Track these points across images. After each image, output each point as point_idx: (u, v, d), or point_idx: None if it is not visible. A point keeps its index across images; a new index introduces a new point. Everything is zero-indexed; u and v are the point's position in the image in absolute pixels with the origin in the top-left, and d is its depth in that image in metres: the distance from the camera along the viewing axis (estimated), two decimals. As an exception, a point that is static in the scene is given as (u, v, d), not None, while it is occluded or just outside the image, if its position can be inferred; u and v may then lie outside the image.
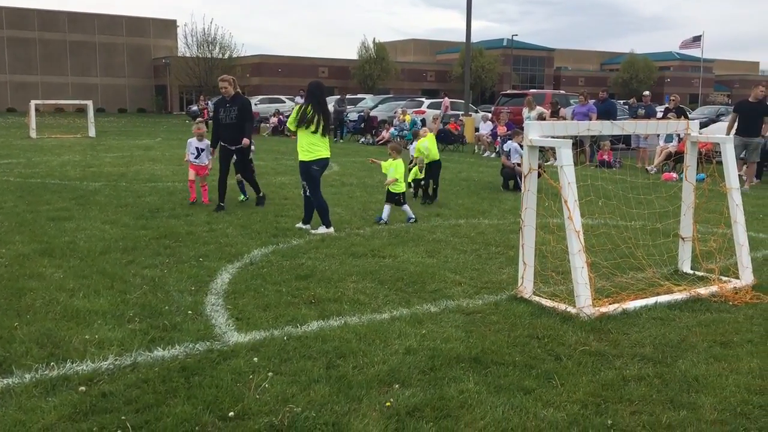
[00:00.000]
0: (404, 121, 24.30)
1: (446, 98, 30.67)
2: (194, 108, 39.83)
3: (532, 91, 30.33)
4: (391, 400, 3.72)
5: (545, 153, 15.43)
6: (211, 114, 14.97)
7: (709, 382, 4.03)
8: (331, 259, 6.88)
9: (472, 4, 27.04)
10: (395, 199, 9.08)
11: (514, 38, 73.30)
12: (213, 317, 5.05)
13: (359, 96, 40.88)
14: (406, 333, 4.76)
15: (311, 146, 8.18)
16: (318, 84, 8.48)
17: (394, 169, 9.09)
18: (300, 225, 8.45)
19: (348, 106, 29.93)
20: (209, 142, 10.05)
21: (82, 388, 3.81)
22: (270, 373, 4.03)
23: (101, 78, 68.54)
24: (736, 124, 13.61)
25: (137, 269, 6.36)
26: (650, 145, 17.17)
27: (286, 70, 64.94)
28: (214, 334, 4.72)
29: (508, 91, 34.68)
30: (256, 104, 41.64)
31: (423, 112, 28.45)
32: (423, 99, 33.35)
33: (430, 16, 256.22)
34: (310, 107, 8.15)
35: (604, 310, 5.26)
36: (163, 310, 5.19)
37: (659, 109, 21.26)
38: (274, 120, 30.33)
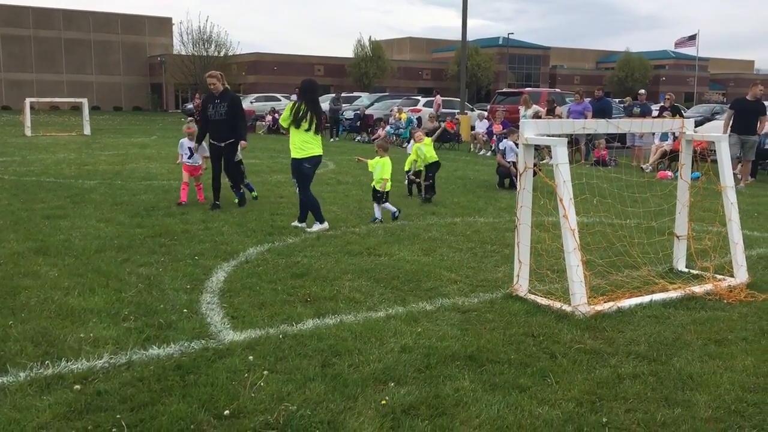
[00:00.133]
0: (400, 119, 24.29)
1: (438, 96, 30.65)
2: (189, 106, 39.69)
3: (527, 89, 30.35)
4: (387, 398, 3.72)
5: (541, 151, 15.46)
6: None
7: (704, 379, 4.05)
8: (327, 258, 6.87)
9: (468, 2, 27.05)
10: (377, 197, 9.03)
11: (510, 36, 73.34)
12: (208, 315, 5.05)
13: (355, 94, 40.86)
14: (401, 331, 4.76)
15: (304, 144, 8.18)
16: (310, 82, 8.48)
17: (380, 168, 9.06)
18: (296, 223, 8.45)
19: (344, 105, 29.92)
20: (204, 144, 9.95)
21: (77, 386, 3.80)
22: (265, 372, 4.03)
23: (96, 76, 68.38)
24: (731, 121, 13.64)
25: (132, 267, 6.35)
26: (645, 143, 17.19)
27: (282, 68, 64.88)
28: (210, 332, 4.71)
29: (503, 90, 34.69)
30: (252, 102, 41.63)
31: (419, 111, 28.44)
32: (419, 97, 33.34)
33: (426, 14, 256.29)
34: (302, 105, 8.14)
35: (599, 308, 5.27)
36: (159, 308, 5.18)
37: (654, 108, 21.30)
38: (269, 118, 30.29)
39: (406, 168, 10.94)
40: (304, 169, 8.25)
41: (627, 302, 5.46)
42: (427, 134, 12.82)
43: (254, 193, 10.56)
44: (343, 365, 4.16)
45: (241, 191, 9.93)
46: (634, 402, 3.76)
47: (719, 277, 6.24)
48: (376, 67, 66.21)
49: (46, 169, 14.13)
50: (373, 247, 7.33)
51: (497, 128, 19.52)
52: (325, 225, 8.21)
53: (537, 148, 5.92)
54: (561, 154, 5.37)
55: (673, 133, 14.87)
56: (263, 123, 31.07)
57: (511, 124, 17.30)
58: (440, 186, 11.84)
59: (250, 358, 4.24)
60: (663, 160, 15.72)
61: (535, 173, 5.83)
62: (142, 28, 71.03)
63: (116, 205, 9.72)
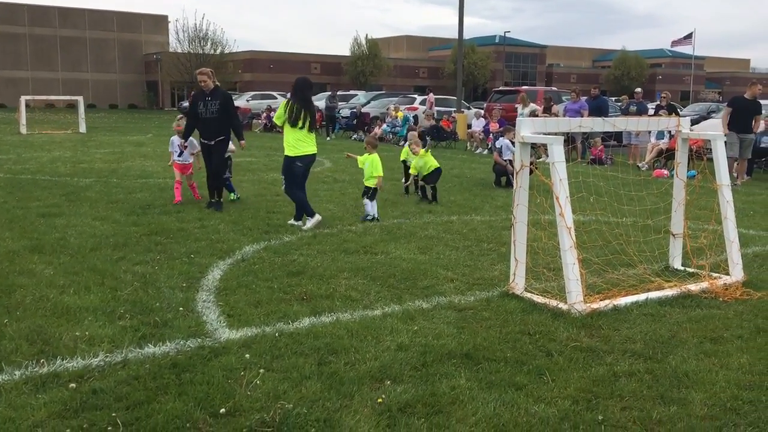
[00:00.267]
0: (396, 117, 24.29)
1: (431, 94, 30.62)
2: (185, 104, 39.67)
3: (524, 87, 30.36)
4: (383, 396, 3.72)
5: (537, 150, 15.47)
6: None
7: (700, 377, 4.05)
8: (323, 256, 6.87)
9: (464, 0, 27.05)
10: (366, 193, 9.01)
11: (507, 35, 73.34)
12: (204, 314, 5.04)
13: (351, 92, 40.82)
14: (397, 329, 4.76)
15: (297, 142, 8.18)
16: (304, 80, 8.45)
17: (369, 164, 9.03)
18: (292, 221, 8.44)
19: (340, 103, 29.88)
20: (193, 140, 9.79)
21: (73, 384, 3.79)
22: (261, 370, 4.03)
23: (92, 74, 68.20)
24: (728, 119, 13.68)
25: (128, 266, 6.33)
26: (641, 141, 17.22)
27: (278, 66, 64.76)
28: (206, 330, 4.70)
29: (500, 88, 34.73)
30: (248, 100, 41.53)
31: (415, 109, 28.43)
32: (415, 95, 33.33)
33: (422, 13, 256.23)
34: (295, 103, 8.13)
35: (595, 306, 5.27)
36: (154, 306, 5.17)
37: (650, 106, 21.33)
38: (265, 116, 30.25)
39: (413, 173, 10.80)
40: (295, 168, 8.24)
41: (623, 300, 5.47)
42: (422, 134, 12.78)
43: (233, 196, 10.19)
44: (339, 363, 4.16)
45: (221, 200, 9.44)
46: (629, 400, 3.77)
47: (715, 275, 6.25)
48: (372, 65, 66.15)
49: (41, 167, 14.10)
50: (370, 246, 7.32)
51: (494, 126, 19.52)
52: (318, 217, 8.20)
53: (533, 146, 5.91)
54: (557, 152, 5.37)
55: (669, 132, 14.90)
56: (259, 121, 31.03)
57: (508, 123, 17.31)
58: (437, 184, 11.82)
59: (246, 356, 4.23)
60: (659, 159, 15.74)
61: (531, 171, 5.84)
62: (137, 26, 70.85)
63: (112, 204, 9.70)
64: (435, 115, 24.60)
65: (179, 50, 60.99)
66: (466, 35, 47.27)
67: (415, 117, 25.41)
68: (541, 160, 14.90)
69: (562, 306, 5.25)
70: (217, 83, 9.41)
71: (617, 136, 17.73)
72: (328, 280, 5.98)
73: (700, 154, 8.03)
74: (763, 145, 14.96)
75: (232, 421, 3.44)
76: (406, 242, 7.57)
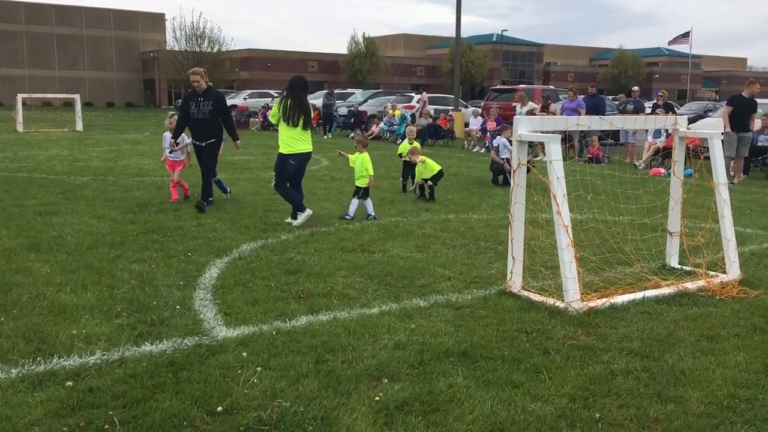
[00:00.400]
0: (394, 116, 24.28)
1: (424, 93, 30.52)
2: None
3: (521, 86, 30.37)
4: (380, 394, 3.72)
5: (534, 148, 15.47)
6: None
7: (696, 375, 4.06)
8: (321, 254, 6.87)
9: (461, -1, 27.03)
10: (357, 192, 8.97)
11: (504, 33, 73.36)
12: (201, 312, 5.03)
13: (349, 91, 40.78)
14: (395, 327, 4.76)
15: (291, 140, 8.17)
16: (299, 78, 8.42)
17: (360, 163, 9.01)
18: (289, 220, 8.43)
19: (337, 101, 29.85)
20: (186, 137, 9.67)
21: (69, 383, 3.79)
22: (258, 368, 4.02)
23: (89, 72, 68.09)
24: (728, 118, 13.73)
25: (125, 264, 6.32)
26: (639, 140, 17.24)
27: (275, 64, 64.72)
28: (203, 328, 4.70)
29: (497, 87, 34.73)
30: (245, 99, 41.49)
31: (413, 107, 28.42)
32: (413, 94, 33.31)
33: (420, 11, 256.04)
34: (289, 101, 8.12)
35: (592, 304, 5.28)
36: (151, 304, 5.17)
37: (647, 105, 21.35)
38: (262, 115, 30.23)
39: (418, 179, 10.76)
40: (287, 165, 8.22)
41: (620, 298, 5.48)
42: (419, 134, 12.73)
43: (226, 195, 9.99)
44: (336, 361, 4.16)
45: (208, 201, 9.16)
46: (626, 398, 3.77)
47: (712, 273, 6.26)
48: (369, 63, 66.13)
49: (38, 165, 14.07)
50: (367, 244, 7.32)
51: (491, 125, 19.53)
52: (308, 212, 8.18)
53: (531, 144, 5.91)
54: (554, 150, 5.38)
55: (666, 130, 14.92)
56: (256, 119, 31.00)
57: (505, 121, 17.31)
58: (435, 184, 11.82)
59: (244, 354, 4.23)
60: (656, 157, 15.77)
61: (528, 170, 5.84)
62: (134, 24, 70.73)
63: (109, 202, 9.68)
64: (432, 113, 24.59)
65: (176, 48, 60.89)
66: (464, 34, 47.29)
67: (413, 115, 25.39)
68: (538, 158, 14.91)
69: (559, 304, 5.25)
70: (210, 83, 9.29)
71: (614, 134, 17.74)
72: (325, 279, 5.98)
73: (697, 152, 8.05)
74: (760, 144, 15.00)
75: (230, 420, 3.44)
76: (403, 240, 7.57)
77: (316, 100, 32.80)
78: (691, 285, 5.90)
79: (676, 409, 3.64)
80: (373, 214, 8.89)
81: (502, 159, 12.21)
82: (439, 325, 4.86)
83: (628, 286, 5.86)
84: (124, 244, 7.09)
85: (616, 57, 78.31)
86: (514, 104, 22.09)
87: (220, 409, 3.53)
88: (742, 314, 5.24)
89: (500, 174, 12.45)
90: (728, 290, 5.79)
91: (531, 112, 18.63)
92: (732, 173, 13.41)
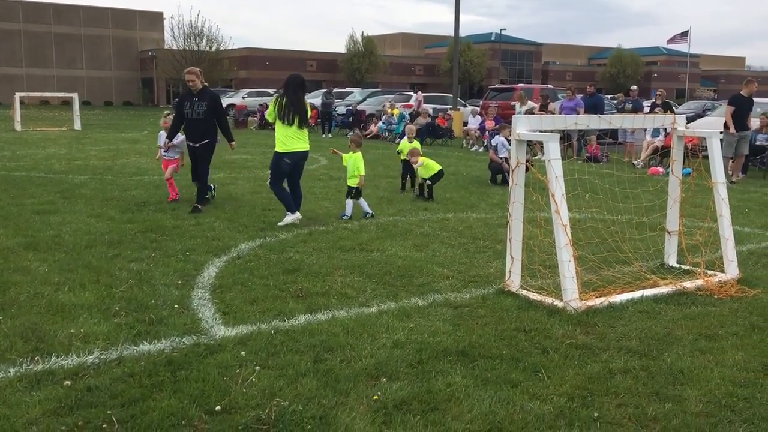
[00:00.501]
0: (392, 115, 24.27)
1: (419, 92, 30.50)
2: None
3: (520, 85, 30.37)
4: (379, 393, 3.72)
5: (533, 147, 15.47)
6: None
7: (695, 374, 4.06)
8: (319, 253, 6.86)
9: (460, -2, 27.02)
10: (349, 192, 8.94)
11: (503, 32, 73.36)
12: (200, 311, 5.03)
13: (347, 90, 40.76)
14: (393, 327, 4.76)
15: (286, 138, 8.15)
16: (295, 77, 8.37)
17: (352, 162, 9.00)
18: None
19: (336, 100, 29.84)
20: (181, 137, 9.51)
21: (67, 382, 3.78)
22: (257, 367, 4.02)
23: (87, 70, 68.00)
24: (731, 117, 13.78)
25: (123, 263, 6.32)
26: (637, 139, 17.25)
27: (274, 63, 64.66)
28: (201, 328, 4.70)
29: (496, 86, 34.73)
30: (243, 98, 41.45)
31: (411, 106, 28.42)
32: (411, 93, 33.30)
33: (418, 10, 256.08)
34: (284, 100, 8.10)
35: (590, 303, 5.28)
36: (150, 304, 5.16)
37: (646, 104, 21.35)
38: (260, 114, 30.21)
39: (419, 179, 10.74)
40: (282, 164, 8.20)
41: (618, 297, 5.48)
42: (417, 134, 12.71)
43: (209, 195, 9.70)
44: (335, 360, 4.16)
45: (200, 204, 9.02)
46: (625, 397, 3.77)
47: (710, 272, 6.27)
48: (368, 62, 66.10)
49: (36, 164, 14.05)
50: (366, 243, 7.32)
51: (489, 124, 19.53)
52: (297, 215, 8.15)
53: (529, 143, 5.91)
54: (553, 149, 5.38)
55: (665, 129, 14.93)
56: (255, 118, 30.98)
57: (504, 120, 17.30)
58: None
59: (242, 353, 4.22)
60: (654, 156, 15.77)
61: (527, 169, 5.84)
62: (133, 23, 70.64)
63: (107, 201, 9.67)
64: (431, 112, 24.58)
65: (174, 47, 60.82)
66: (462, 33, 47.22)
67: (411, 114, 25.38)
68: (537, 157, 14.91)
69: (558, 303, 5.26)
70: (206, 83, 9.17)
71: (613, 133, 17.74)
72: (323, 278, 5.97)
73: (696, 151, 8.05)
74: (758, 143, 15.02)
75: (228, 419, 3.44)
76: (402, 239, 7.57)
77: (314, 99, 32.81)
78: (689, 284, 5.90)
79: (674, 407, 3.64)
80: (371, 212, 8.88)
81: (501, 158, 12.21)
82: (437, 324, 4.86)
83: (627, 285, 5.86)
84: (122, 243, 7.08)
85: (615, 56, 78.34)
86: (512, 103, 22.08)
87: (218, 408, 3.53)
88: (740, 313, 5.25)
89: (499, 173, 12.45)
90: (726, 289, 5.80)
91: (530, 111, 18.62)
92: (730, 172, 13.44)
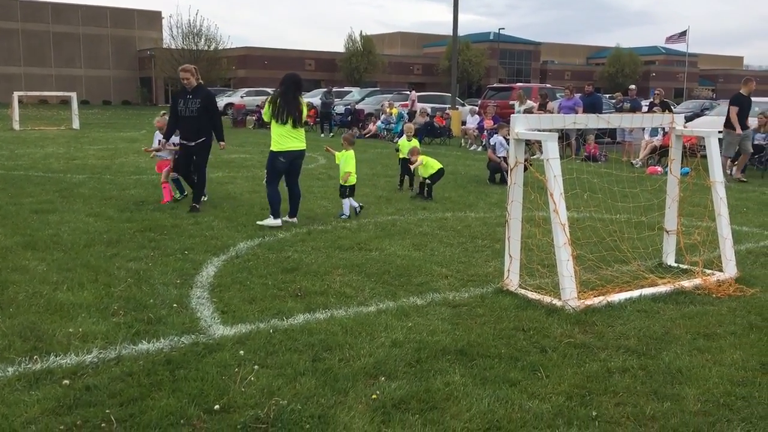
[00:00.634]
0: (391, 114, 24.26)
1: (413, 92, 30.45)
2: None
3: (518, 84, 30.37)
4: (378, 392, 3.72)
5: (531, 147, 15.47)
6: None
7: (693, 373, 4.07)
8: (318, 252, 6.86)
9: (459, -3, 27.01)
10: (342, 191, 8.94)
11: (501, 32, 73.31)
12: (198, 310, 5.03)
13: (346, 89, 40.75)
14: (392, 326, 4.76)
15: (280, 137, 8.11)
16: (291, 76, 8.31)
17: (344, 161, 9.00)
18: (286, 218, 8.41)
19: (335, 99, 29.81)
20: (176, 139, 9.32)
21: (66, 381, 3.78)
22: (256, 366, 4.02)
23: (85, 70, 67.93)
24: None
25: (122, 262, 6.31)
26: (635, 138, 17.26)
27: (273, 62, 64.63)
28: (200, 327, 4.70)
29: (494, 85, 34.72)
30: (242, 97, 41.44)
31: (407, 106, 28.38)
32: (408, 92, 33.24)
33: (417, 9, 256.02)
34: (279, 99, 8.08)
35: (589, 302, 5.28)
36: (148, 303, 5.16)
37: (644, 104, 21.36)
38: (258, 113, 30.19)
39: (422, 174, 10.74)
40: (278, 163, 8.17)
41: (617, 297, 5.48)
42: (416, 133, 12.72)
43: (179, 196, 9.67)
44: (333, 360, 4.16)
45: (198, 205, 8.94)
46: (623, 396, 3.78)
47: (708, 271, 6.27)
48: (367, 61, 66.08)
49: (34, 163, 14.04)
50: (364, 242, 7.32)
51: (488, 123, 19.52)
52: (278, 222, 8.06)
53: (528, 143, 5.92)
54: (552, 149, 5.38)
55: (663, 129, 14.94)
56: (253, 117, 30.96)
57: (502, 120, 17.31)
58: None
59: (241, 352, 4.22)
60: (653, 156, 15.78)
61: (525, 168, 5.84)
62: (131, 22, 70.57)
63: (105, 200, 9.66)
64: (430, 111, 24.57)
65: (173, 46, 60.73)
66: (461, 32, 47.18)
67: (409, 113, 25.38)
68: (535, 156, 14.92)
69: (556, 302, 5.26)
70: (201, 81, 9.03)
71: (611, 133, 17.75)
72: (322, 277, 5.98)
73: (694, 151, 8.05)
74: (756, 143, 15.05)
75: (227, 418, 3.44)
76: (400, 239, 7.57)
77: (313, 98, 32.79)
78: (687, 283, 5.91)
79: (672, 406, 3.65)
80: (348, 214, 8.78)
81: (499, 157, 12.21)
82: (436, 323, 4.86)
83: (625, 284, 5.86)
84: (120, 243, 7.08)
85: (613, 55, 78.36)
86: (511, 102, 22.08)
87: (217, 407, 3.53)
88: (738, 312, 5.25)
89: (497, 172, 12.46)
90: (725, 288, 5.80)
91: (529, 111, 18.62)
92: (730, 171, 13.51)
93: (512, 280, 5.71)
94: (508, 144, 7.31)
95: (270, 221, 8.06)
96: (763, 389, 3.87)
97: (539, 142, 5.86)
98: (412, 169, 10.94)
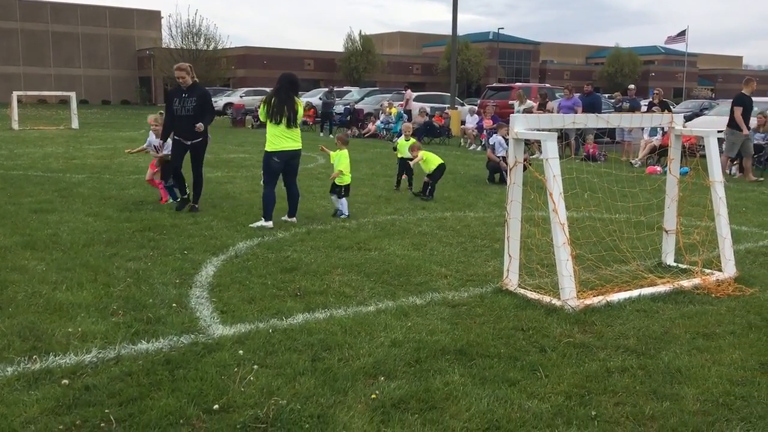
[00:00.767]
0: (390, 114, 24.26)
1: (408, 90, 30.42)
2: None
3: (518, 84, 30.37)
4: (377, 392, 3.72)
5: (531, 146, 15.48)
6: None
7: (692, 373, 4.07)
8: (317, 252, 6.86)
9: (458, -4, 27.01)
10: (336, 191, 8.94)
11: (500, 31, 73.33)
12: (197, 310, 5.03)
13: (345, 89, 40.76)
14: (391, 325, 4.76)
15: (274, 137, 8.09)
16: (286, 75, 8.26)
17: (338, 160, 9.00)
18: (285, 218, 8.41)
19: (336, 99, 29.79)
20: (169, 146, 9.18)
21: (65, 381, 3.78)
22: (255, 366, 4.02)
23: (84, 69, 67.91)
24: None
25: (121, 262, 6.31)
26: (635, 138, 17.27)
27: (272, 62, 64.59)
28: (199, 326, 4.69)
29: (494, 84, 34.73)
30: (241, 96, 41.43)
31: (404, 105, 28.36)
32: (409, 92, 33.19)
33: (416, 9, 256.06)
34: (274, 99, 8.07)
35: (588, 302, 5.28)
36: (147, 302, 5.16)
37: (643, 103, 21.36)
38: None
39: (423, 170, 10.74)
40: (272, 163, 8.16)
41: (616, 296, 5.48)
42: (415, 133, 12.74)
43: (171, 200, 9.50)
44: (333, 359, 4.16)
45: (197, 205, 8.94)
46: (622, 395, 3.78)
47: (707, 271, 6.28)
48: (366, 61, 66.09)
49: (33, 163, 14.03)
50: (363, 242, 7.32)
51: (487, 123, 19.53)
52: (269, 224, 8.02)
53: (527, 142, 5.92)
54: (551, 148, 5.38)
55: (662, 129, 14.94)
56: (252, 117, 30.96)
57: (501, 119, 17.31)
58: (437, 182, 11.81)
59: (240, 352, 4.22)
60: (652, 156, 15.79)
61: (525, 168, 5.84)
62: (130, 21, 70.54)
63: (104, 199, 9.66)
64: (429, 111, 24.58)
65: (172, 46, 60.69)
66: (460, 32, 47.24)
67: (409, 113, 25.39)
68: (534, 156, 14.92)
69: (556, 302, 5.26)
70: (196, 79, 8.93)
71: (610, 132, 17.76)
72: (321, 277, 5.97)
73: (693, 150, 8.06)
74: (755, 142, 15.07)
75: (226, 418, 3.44)
76: (399, 238, 7.57)
77: (312, 98, 32.77)
78: (686, 283, 5.91)
79: (671, 406, 3.65)
80: (340, 209, 8.82)
81: (499, 157, 12.22)
82: (435, 323, 4.86)
83: (624, 283, 5.87)
84: (120, 242, 7.07)
85: (612, 55, 78.40)
86: (510, 102, 22.08)
87: (216, 407, 3.53)
88: (737, 312, 5.26)
89: (496, 172, 12.46)
90: (724, 288, 5.80)
91: (528, 110, 18.62)
92: (729, 171, 13.53)
93: (511, 279, 5.71)
94: (507, 144, 7.32)
95: (261, 223, 8.03)
96: (762, 389, 3.88)
97: (539, 142, 5.86)
98: (412, 164, 10.94)
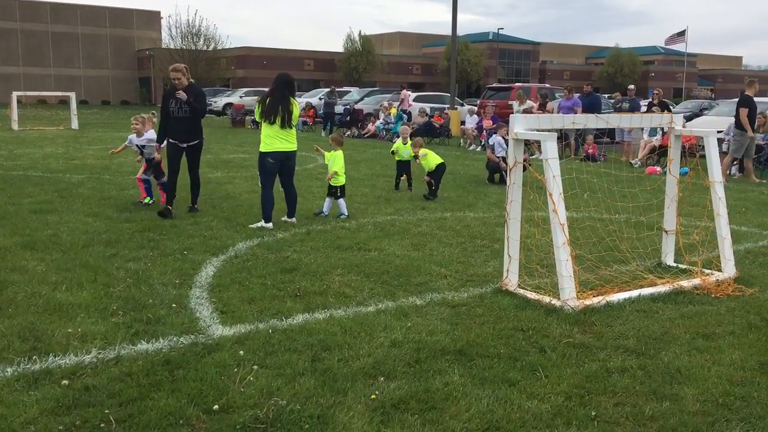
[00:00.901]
0: (390, 114, 24.26)
1: (405, 90, 30.40)
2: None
3: (517, 84, 30.37)
4: (377, 392, 3.72)
5: (531, 147, 15.47)
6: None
7: (692, 373, 4.07)
8: (317, 252, 6.86)
9: (458, -3, 27.01)
10: (332, 192, 8.94)
11: (500, 32, 73.32)
12: (197, 310, 5.03)
13: (345, 89, 40.76)
14: (391, 326, 4.76)
15: (268, 138, 8.08)
16: (282, 76, 8.23)
17: (333, 161, 9.00)
18: (285, 218, 8.42)
19: (337, 99, 29.79)
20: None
21: (65, 381, 3.78)
22: (255, 366, 4.02)
23: (84, 69, 67.88)
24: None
25: (121, 262, 6.31)
26: (634, 138, 17.27)
27: (271, 62, 64.53)
28: (199, 327, 4.69)
29: (493, 85, 34.71)
30: (241, 97, 41.42)
31: (409, 105, 28.38)
32: (409, 92, 33.19)
33: (416, 9, 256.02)
34: (268, 99, 8.06)
35: (588, 302, 5.29)
36: (147, 303, 5.16)
37: (643, 103, 21.36)
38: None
39: (424, 168, 10.76)
40: (266, 164, 8.14)
41: (616, 297, 5.48)
42: (414, 133, 12.76)
43: (149, 200, 9.49)
44: (332, 360, 4.16)
45: (196, 205, 8.95)
46: (622, 396, 3.78)
47: (707, 271, 6.28)
48: (366, 61, 66.05)
49: (33, 164, 14.03)
50: (363, 242, 7.32)
51: (487, 123, 19.52)
52: (269, 225, 8.00)
53: (527, 143, 5.92)
54: (551, 149, 5.38)
55: (662, 129, 14.95)
56: (251, 122, 30.95)
57: (501, 120, 17.31)
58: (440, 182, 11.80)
59: (240, 352, 4.22)
60: (652, 156, 15.79)
61: (524, 168, 5.84)
62: (130, 22, 70.52)
63: (104, 200, 9.66)
64: (428, 111, 24.58)
65: (172, 46, 60.68)
66: (460, 32, 47.19)
67: (409, 114, 25.39)
68: (534, 156, 14.92)
69: (555, 302, 5.26)
70: (192, 80, 8.82)
71: (610, 133, 17.76)
72: (321, 277, 5.97)
73: (693, 151, 8.06)
74: (756, 143, 15.07)
75: (226, 418, 3.44)
76: (399, 239, 7.57)
77: (312, 98, 32.77)
78: (686, 283, 5.91)
79: (671, 406, 3.65)
80: (326, 212, 8.82)
81: (498, 157, 12.21)
82: (435, 323, 4.86)
83: (624, 284, 5.87)
84: (119, 243, 7.07)
85: (612, 55, 78.38)
86: (510, 102, 22.07)
87: (216, 407, 3.53)
88: (737, 312, 5.26)
89: (496, 172, 12.46)
90: (724, 288, 5.81)
91: (528, 111, 18.63)
92: (729, 171, 13.54)
93: (511, 280, 5.71)
94: (506, 144, 7.32)
95: (259, 225, 8.03)
96: (761, 389, 3.88)
97: (538, 142, 5.86)
98: (418, 160, 10.94)
